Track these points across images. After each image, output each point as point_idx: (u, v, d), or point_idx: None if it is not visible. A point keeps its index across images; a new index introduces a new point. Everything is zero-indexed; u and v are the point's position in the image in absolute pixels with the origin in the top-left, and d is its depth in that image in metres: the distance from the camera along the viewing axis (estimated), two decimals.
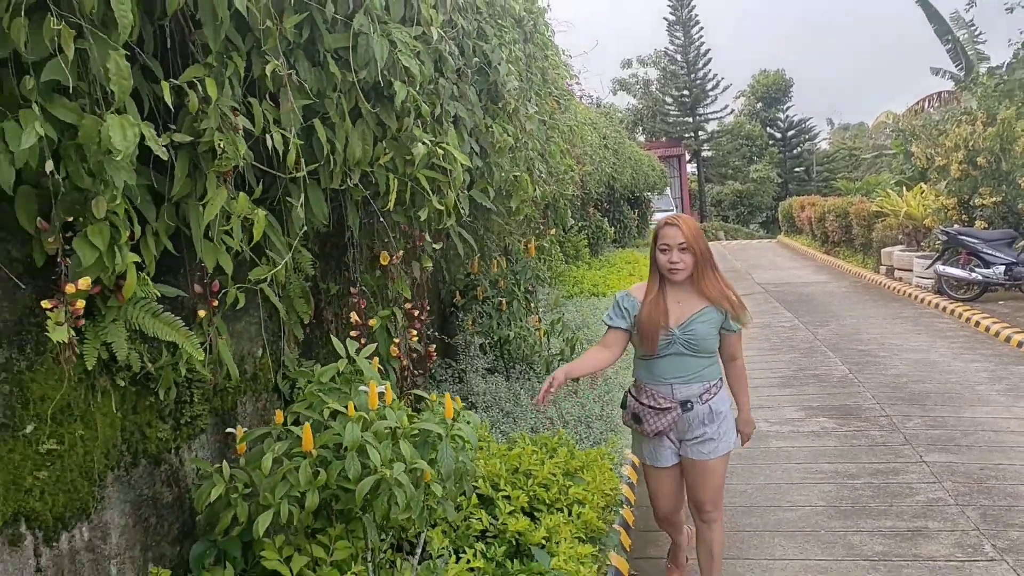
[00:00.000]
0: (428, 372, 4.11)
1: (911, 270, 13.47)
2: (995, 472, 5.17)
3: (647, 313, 3.26)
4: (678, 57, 45.04)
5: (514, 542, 3.29)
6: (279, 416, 2.67)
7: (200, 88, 2.24)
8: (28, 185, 2.10)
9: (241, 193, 2.48)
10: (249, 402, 3.09)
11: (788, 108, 48.96)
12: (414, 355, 3.68)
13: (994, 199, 12.43)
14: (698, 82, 44.80)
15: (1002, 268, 10.86)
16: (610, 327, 3.40)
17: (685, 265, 3.22)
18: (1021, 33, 19.00)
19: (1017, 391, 7.03)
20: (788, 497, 5.02)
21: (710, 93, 45.04)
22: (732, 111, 48.04)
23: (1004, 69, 18.59)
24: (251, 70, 2.53)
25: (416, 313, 3.63)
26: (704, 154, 46.14)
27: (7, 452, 2.10)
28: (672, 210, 32.15)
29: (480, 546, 3.11)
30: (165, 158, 2.11)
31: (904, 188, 16.71)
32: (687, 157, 42.57)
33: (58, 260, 2.08)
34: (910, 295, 12.83)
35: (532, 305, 6.35)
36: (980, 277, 11.05)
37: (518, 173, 4.21)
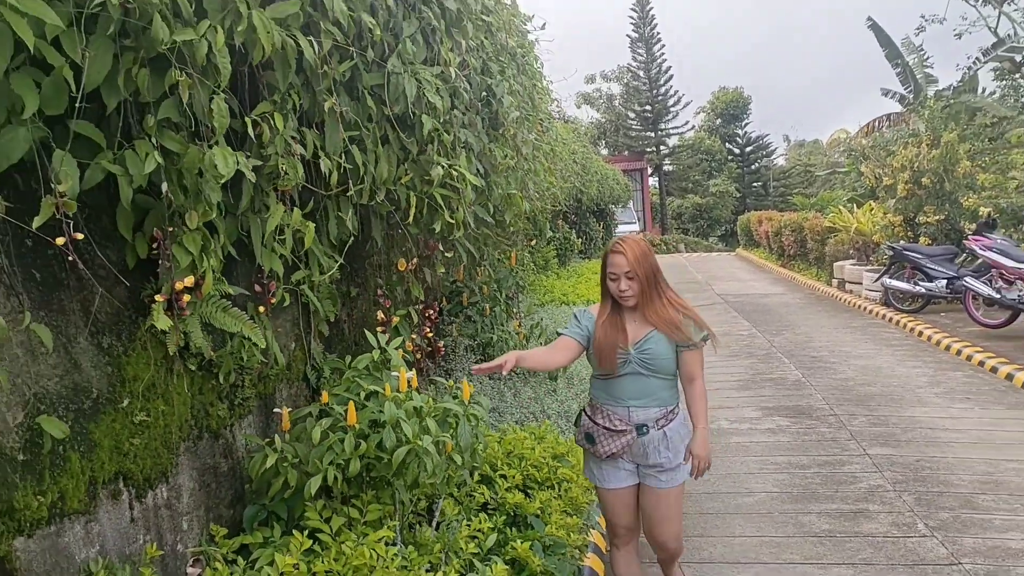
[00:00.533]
0: (438, 364, 4.58)
1: (861, 283, 14.22)
2: (929, 463, 5.77)
3: (603, 333, 3.22)
4: (640, 73, 46.06)
5: (512, 513, 3.77)
6: (325, 396, 3.13)
7: (272, 121, 2.70)
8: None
9: (295, 208, 2.94)
10: (284, 388, 3.54)
11: (746, 124, 50.27)
12: (429, 349, 4.16)
13: (937, 217, 13.24)
14: (660, 98, 45.82)
15: (944, 282, 11.57)
16: (561, 334, 3.37)
17: (634, 291, 3.19)
18: (969, 58, 20.12)
19: (953, 394, 7.69)
20: (746, 485, 5.57)
21: (671, 109, 46.09)
22: (692, 127, 49.22)
23: (951, 92, 19.65)
24: (302, 104, 2.99)
25: (429, 313, 4.11)
26: (665, 168, 47.15)
27: (110, 422, 2.54)
28: (634, 223, 32.91)
29: (484, 516, 3.58)
30: (254, 180, 2.57)
31: (855, 205, 17.54)
32: (649, 171, 43.55)
33: (159, 262, 2.53)
34: (860, 306, 13.57)
35: (513, 310, 6.85)
36: (924, 290, 11.77)
37: (513, 191, 4.72)
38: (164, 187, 2.35)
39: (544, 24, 6.11)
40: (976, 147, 15.02)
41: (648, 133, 46.53)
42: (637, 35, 45.43)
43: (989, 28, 19.97)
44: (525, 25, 5.56)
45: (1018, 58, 12.25)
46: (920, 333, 10.76)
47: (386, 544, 2.92)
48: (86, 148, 2.32)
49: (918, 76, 23.14)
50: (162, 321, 2.46)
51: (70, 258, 2.12)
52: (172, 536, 2.79)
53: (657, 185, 46.27)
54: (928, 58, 23.67)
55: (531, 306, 9.64)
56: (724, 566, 4.38)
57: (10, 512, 2.17)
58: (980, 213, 12.19)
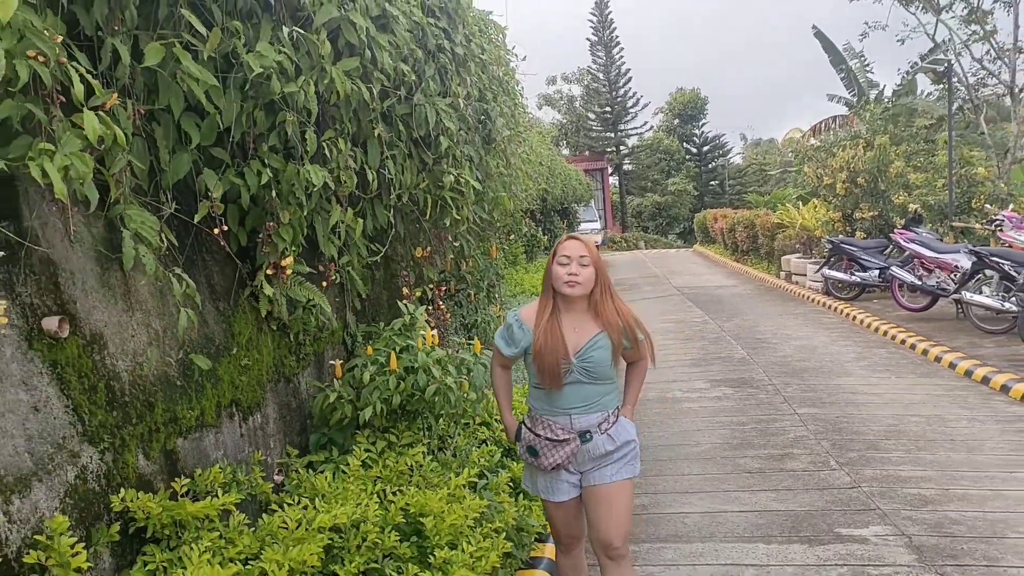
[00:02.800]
0: (446, 331, 5.57)
1: (805, 275, 15.48)
2: (847, 419, 6.90)
3: (542, 343, 3.06)
4: (600, 75, 47.37)
5: (507, 448, 4.78)
6: (369, 350, 4.12)
7: (337, 143, 3.68)
8: (232, 203, 3.51)
9: (349, 209, 3.92)
10: (329, 349, 4.52)
11: (703, 124, 51.87)
12: (439, 318, 5.16)
13: (872, 213, 14.53)
14: (619, 99, 47.17)
15: (876, 272, 12.83)
16: (501, 353, 3.32)
17: (584, 279, 3.06)
18: (909, 63, 21.57)
19: (875, 367, 8.88)
20: (695, 439, 6.64)
21: (630, 110, 47.48)
22: (651, 127, 50.70)
23: (892, 95, 21.06)
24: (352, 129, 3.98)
25: (440, 291, 5.11)
26: (625, 168, 48.53)
27: (227, 363, 3.51)
28: (596, 221, 34.10)
29: (486, 446, 4.59)
30: (333, 188, 3.55)
31: (801, 202, 18.86)
32: (609, 170, 44.88)
33: (259, 248, 3.50)
34: (803, 296, 14.82)
35: (493, 297, 7.86)
36: (859, 279, 13.02)
37: (502, 194, 5.73)
38: (274, 193, 3.32)
39: (525, 57, 7.12)
40: (912, 148, 16.36)
41: (608, 134, 47.88)
42: (597, 38, 46.76)
43: (927, 34, 21.41)
44: (508, 55, 6.59)
45: (940, 68, 13.54)
46: (854, 317, 11.98)
47: (424, 456, 3.92)
48: (215, 166, 3.29)
49: (861, 80, 24.62)
50: (267, 288, 3.43)
51: (223, 243, 3.09)
52: (264, 451, 3.76)
53: (617, 184, 47.61)
54: (868, 64, 25.18)
55: (504, 294, 10.67)
56: (674, 495, 5.44)
57: (175, 420, 3.13)
58: (909, 209, 13.49)
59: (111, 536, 2.63)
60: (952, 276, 10.73)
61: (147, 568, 2.71)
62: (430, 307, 5.04)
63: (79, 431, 2.68)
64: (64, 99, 2.39)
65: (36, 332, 2.57)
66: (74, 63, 2.39)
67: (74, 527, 2.60)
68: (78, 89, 2.32)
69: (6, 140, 2.39)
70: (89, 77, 2.46)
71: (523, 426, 3.28)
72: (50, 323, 2.59)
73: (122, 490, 2.77)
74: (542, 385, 3.14)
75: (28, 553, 2.33)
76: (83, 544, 2.44)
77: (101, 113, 2.47)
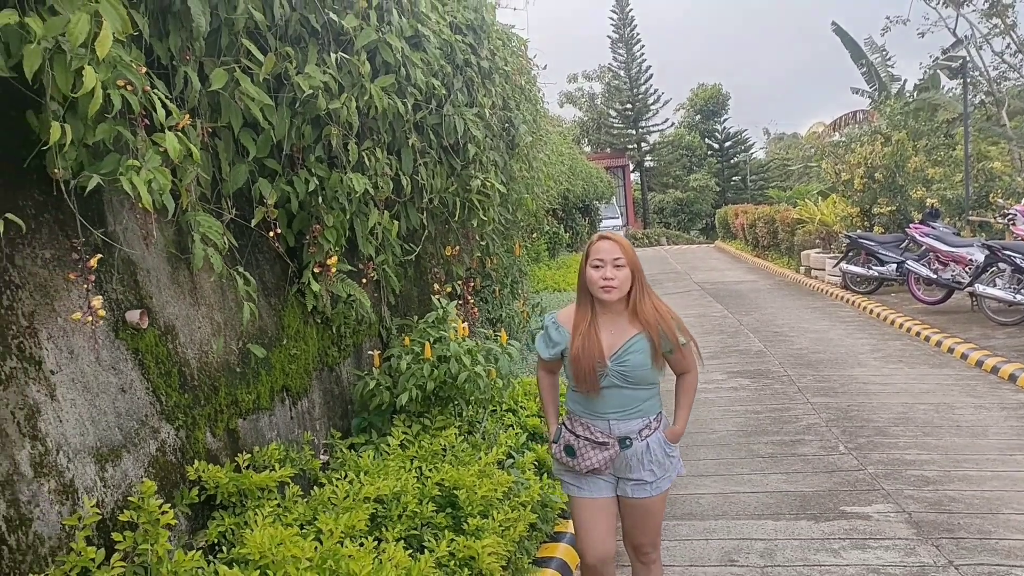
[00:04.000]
0: (473, 324, 5.93)
1: (824, 269, 15.69)
2: (858, 408, 7.18)
3: (579, 348, 3.02)
4: (621, 73, 47.59)
5: (532, 432, 5.13)
6: (407, 340, 4.49)
7: (375, 152, 4.05)
8: (281, 208, 3.88)
9: (385, 212, 4.29)
10: (367, 341, 4.89)
11: (725, 120, 51.89)
12: (468, 312, 5.52)
13: (890, 208, 14.72)
14: (640, 96, 47.34)
15: (894, 266, 13.02)
16: (541, 358, 3.31)
17: (620, 282, 2.99)
18: (931, 57, 21.65)
19: (888, 358, 9.13)
20: (711, 427, 6.96)
21: (652, 107, 47.65)
22: (672, 123, 50.81)
23: (914, 90, 21.15)
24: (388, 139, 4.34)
25: (469, 287, 5.48)
26: (647, 164, 48.69)
27: (278, 353, 3.88)
28: (618, 218, 34.32)
29: (511, 431, 4.95)
30: (373, 194, 3.92)
31: (821, 197, 19.04)
32: (631, 167, 45.07)
33: (306, 248, 3.87)
34: (822, 290, 15.04)
35: (518, 292, 8.22)
36: (876, 273, 13.23)
37: (525, 196, 6.08)
38: (320, 199, 3.69)
39: (545, 65, 7.49)
40: (932, 143, 16.51)
41: (629, 131, 48.08)
42: (617, 36, 46.97)
43: (948, 28, 21.46)
44: (529, 64, 6.95)
45: (955, 65, 13.71)
46: (871, 311, 12.21)
47: (455, 437, 4.28)
48: (267, 175, 3.67)
49: (882, 75, 24.67)
50: (314, 285, 3.81)
51: (276, 245, 3.47)
52: (311, 432, 4.14)
53: (639, 181, 47.78)
54: (890, 58, 25.24)
55: (528, 291, 11.02)
56: (689, 478, 5.76)
57: (236, 403, 3.51)
58: (927, 204, 13.67)
59: (191, 498, 3.01)
60: (967, 269, 10.94)
61: (218, 530, 3.09)
62: (459, 302, 5.42)
63: (158, 410, 3.07)
64: (148, 121, 2.76)
65: (121, 323, 2.95)
66: (155, 90, 2.76)
67: (156, 493, 2.98)
68: (160, 113, 2.69)
69: (98, 157, 2.77)
70: (167, 101, 2.84)
71: (563, 427, 3.25)
72: (133, 315, 2.98)
73: (195, 462, 3.15)
74: (579, 389, 3.11)
75: (122, 512, 2.71)
76: (169, 505, 2.82)
77: (178, 132, 2.84)
